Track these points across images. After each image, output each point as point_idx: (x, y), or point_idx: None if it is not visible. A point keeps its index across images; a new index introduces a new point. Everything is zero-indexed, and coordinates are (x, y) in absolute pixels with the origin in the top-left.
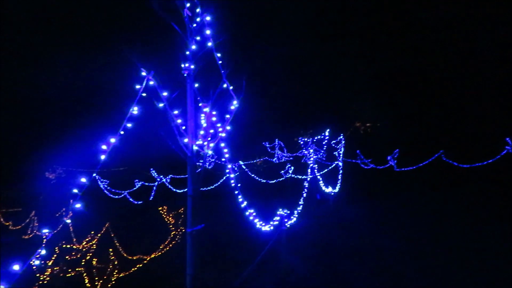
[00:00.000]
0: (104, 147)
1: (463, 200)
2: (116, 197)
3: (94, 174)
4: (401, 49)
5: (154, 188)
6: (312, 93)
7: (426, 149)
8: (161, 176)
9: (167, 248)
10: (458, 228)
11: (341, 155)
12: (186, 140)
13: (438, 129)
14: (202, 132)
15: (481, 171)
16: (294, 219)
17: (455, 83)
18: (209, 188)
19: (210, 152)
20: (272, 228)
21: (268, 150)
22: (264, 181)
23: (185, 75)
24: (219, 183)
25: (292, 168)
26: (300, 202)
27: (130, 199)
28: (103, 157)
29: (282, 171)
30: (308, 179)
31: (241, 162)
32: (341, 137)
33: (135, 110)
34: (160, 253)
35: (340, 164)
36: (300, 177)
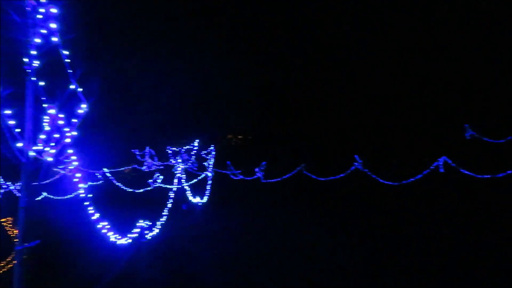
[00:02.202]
0: None
1: (318, 210)
2: None
3: None
4: (272, 67)
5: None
6: (186, 102)
7: (290, 163)
8: (8, 183)
9: (10, 266)
10: (313, 235)
11: (210, 166)
12: (20, 144)
13: (302, 144)
14: (43, 136)
15: (336, 184)
16: (157, 230)
17: (320, 100)
18: (67, 197)
19: (50, 159)
20: (130, 241)
21: (138, 158)
22: (131, 190)
23: (28, 71)
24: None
25: (162, 177)
26: (164, 213)
27: None
28: None
29: (150, 180)
30: (175, 189)
31: (105, 170)
32: (212, 147)
33: None
34: None
35: (210, 174)
36: (169, 186)
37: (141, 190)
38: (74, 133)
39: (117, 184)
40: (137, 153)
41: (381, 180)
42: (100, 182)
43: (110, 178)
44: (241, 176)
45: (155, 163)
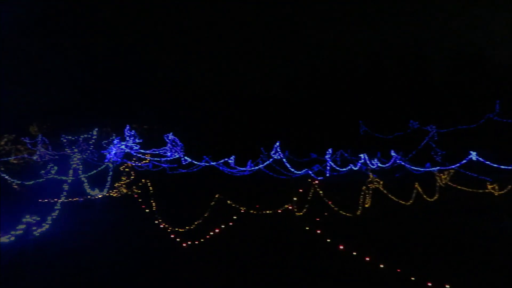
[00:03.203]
0: None
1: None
2: None
3: None
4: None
5: None
6: (84, 89)
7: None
8: None
9: None
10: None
11: (112, 156)
12: None
13: (212, 135)
14: None
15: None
16: (47, 226)
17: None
18: None
19: None
20: (13, 238)
21: (29, 146)
22: (19, 182)
23: None
24: None
25: (56, 168)
26: (57, 207)
27: None
28: None
29: (43, 171)
30: (69, 181)
31: None
32: (114, 137)
33: None
34: None
35: (111, 165)
36: (64, 178)
37: (32, 182)
38: None
39: (1, 175)
40: (28, 141)
41: (283, 172)
42: None
43: None
44: (147, 164)
45: (49, 152)
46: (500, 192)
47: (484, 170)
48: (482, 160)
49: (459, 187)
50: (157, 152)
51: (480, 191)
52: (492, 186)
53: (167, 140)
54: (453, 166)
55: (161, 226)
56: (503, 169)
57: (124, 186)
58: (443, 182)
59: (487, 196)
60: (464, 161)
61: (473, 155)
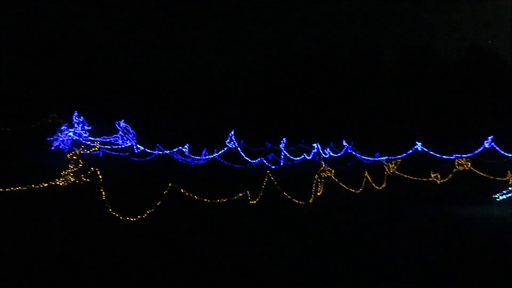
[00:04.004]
0: None
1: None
2: None
3: None
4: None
5: None
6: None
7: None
8: None
9: None
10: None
11: (59, 143)
12: None
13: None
14: None
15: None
16: None
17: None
18: None
19: None
20: None
21: None
22: None
23: None
24: None
25: None
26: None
27: None
28: None
29: None
30: None
31: None
32: (61, 123)
33: None
34: None
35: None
36: None
37: None
38: None
39: None
40: None
41: (230, 164)
42: None
43: None
44: (97, 152)
45: None
46: (442, 181)
47: (429, 159)
48: (426, 150)
49: (405, 175)
50: (107, 140)
51: (424, 179)
52: (435, 175)
53: (119, 128)
54: (400, 156)
55: (112, 215)
56: (446, 159)
57: (71, 174)
58: (391, 171)
59: (430, 184)
60: (410, 151)
61: (419, 146)
